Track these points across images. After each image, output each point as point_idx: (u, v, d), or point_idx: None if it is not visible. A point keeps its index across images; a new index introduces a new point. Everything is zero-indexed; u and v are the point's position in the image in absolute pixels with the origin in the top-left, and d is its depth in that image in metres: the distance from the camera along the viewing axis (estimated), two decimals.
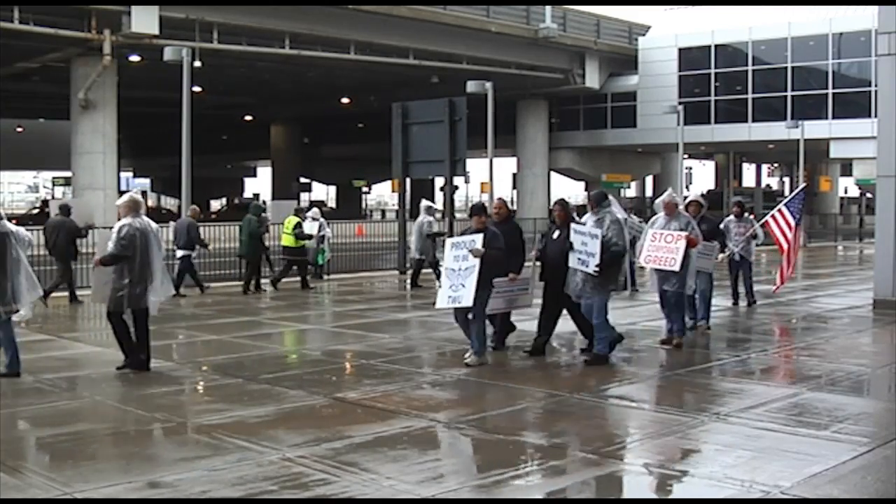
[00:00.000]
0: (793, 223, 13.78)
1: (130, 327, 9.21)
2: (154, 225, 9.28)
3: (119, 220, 9.17)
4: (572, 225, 9.65)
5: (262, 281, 17.56)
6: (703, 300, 11.96)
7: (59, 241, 15.25)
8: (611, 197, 9.96)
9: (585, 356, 9.78)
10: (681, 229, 10.39)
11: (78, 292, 15.27)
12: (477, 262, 9.17)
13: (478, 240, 9.30)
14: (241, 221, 17.99)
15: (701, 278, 11.59)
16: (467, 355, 9.49)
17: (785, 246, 13.79)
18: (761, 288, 16.37)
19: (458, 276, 9.28)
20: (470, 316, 9.43)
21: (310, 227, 18.43)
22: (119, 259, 8.95)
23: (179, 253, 16.84)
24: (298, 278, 17.97)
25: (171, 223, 18.18)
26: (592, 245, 9.26)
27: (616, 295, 10.09)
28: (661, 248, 10.39)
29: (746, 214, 14.73)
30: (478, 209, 9.81)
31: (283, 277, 17.98)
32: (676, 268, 10.28)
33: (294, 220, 18.15)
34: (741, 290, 14.79)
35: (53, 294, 14.87)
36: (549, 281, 10.00)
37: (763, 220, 14.15)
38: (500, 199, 10.70)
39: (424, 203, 18.63)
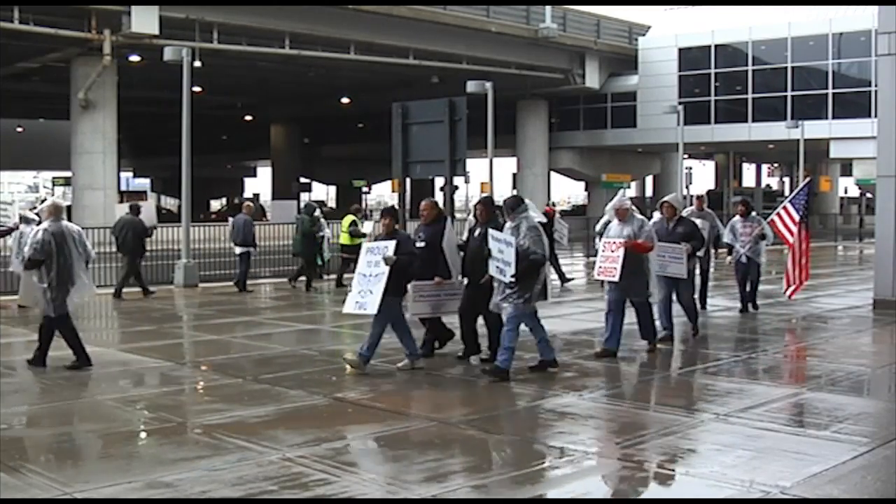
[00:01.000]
0: (797, 218, 13.50)
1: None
2: (75, 228, 9.46)
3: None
4: (490, 231, 9.02)
5: (300, 279, 17.95)
6: (664, 310, 10.98)
7: (127, 238, 16.24)
8: (528, 202, 9.27)
9: (485, 367, 9.05)
10: (631, 235, 9.79)
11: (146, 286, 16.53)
12: (387, 269, 8.89)
13: (391, 246, 9.01)
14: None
15: (664, 284, 10.86)
16: (401, 364, 9.27)
17: (791, 241, 13.56)
18: (766, 288, 16.35)
19: (368, 282, 9.04)
20: (411, 320, 9.28)
21: (367, 227, 18.74)
22: (35, 264, 9.13)
23: (238, 250, 17.36)
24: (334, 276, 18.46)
25: (229, 219, 18.84)
26: (508, 253, 8.65)
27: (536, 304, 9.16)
28: (608, 257, 9.87)
29: (753, 213, 14.09)
30: (387, 212, 9.55)
31: (343, 273, 18.45)
32: (615, 278, 9.72)
33: (350, 218, 18.57)
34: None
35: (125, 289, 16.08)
36: (469, 278, 9.60)
37: (769, 219, 13.87)
38: (428, 200, 10.14)
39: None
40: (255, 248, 17.76)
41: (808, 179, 15.11)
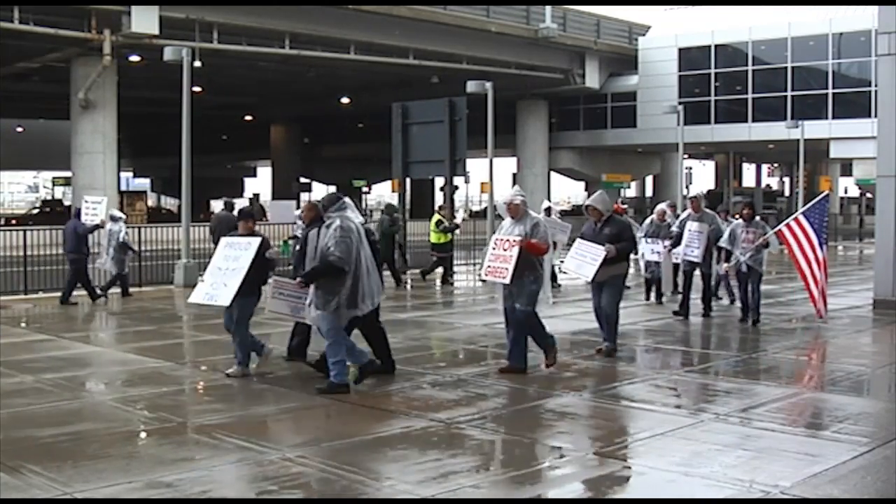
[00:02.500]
0: (815, 240, 12.07)
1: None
2: None
3: None
4: (310, 232, 8.67)
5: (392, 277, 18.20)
6: (596, 318, 10.34)
7: (223, 233, 16.12)
8: (347, 200, 8.45)
9: (319, 385, 8.33)
10: (524, 234, 8.85)
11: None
12: (246, 265, 8.70)
13: (253, 243, 8.84)
14: None
15: (594, 291, 10.19)
16: (231, 369, 8.98)
17: (805, 267, 12.06)
18: (766, 289, 16.34)
19: (223, 275, 8.86)
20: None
21: (459, 217, 19.11)
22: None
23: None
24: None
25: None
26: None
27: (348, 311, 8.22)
28: (499, 256, 8.93)
29: (757, 219, 12.96)
30: (244, 214, 9.30)
31: (432, 271, 18.96)
32: (507, 280, 8.80)
33: (437, 217, 19.13)
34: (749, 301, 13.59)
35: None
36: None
37: (776, 228, 12.64)
38: (310, 201, 9.64)
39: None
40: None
41: (825, 193, 13.26)
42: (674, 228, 14.34)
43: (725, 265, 13.09)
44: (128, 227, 16.77)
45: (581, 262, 9.94)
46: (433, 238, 19.22)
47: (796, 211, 14.37)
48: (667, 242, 14.61)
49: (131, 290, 16.45)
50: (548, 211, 17.36)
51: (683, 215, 14.00)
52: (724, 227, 13.58)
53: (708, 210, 14.25)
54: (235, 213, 17.31)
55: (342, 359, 8.18)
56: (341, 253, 7.99)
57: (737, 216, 13.68)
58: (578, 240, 10.14)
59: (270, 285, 8.91)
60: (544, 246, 9.00)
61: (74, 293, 15.28)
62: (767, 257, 14.69)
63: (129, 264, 16.64)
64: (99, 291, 15.76)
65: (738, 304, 13.64)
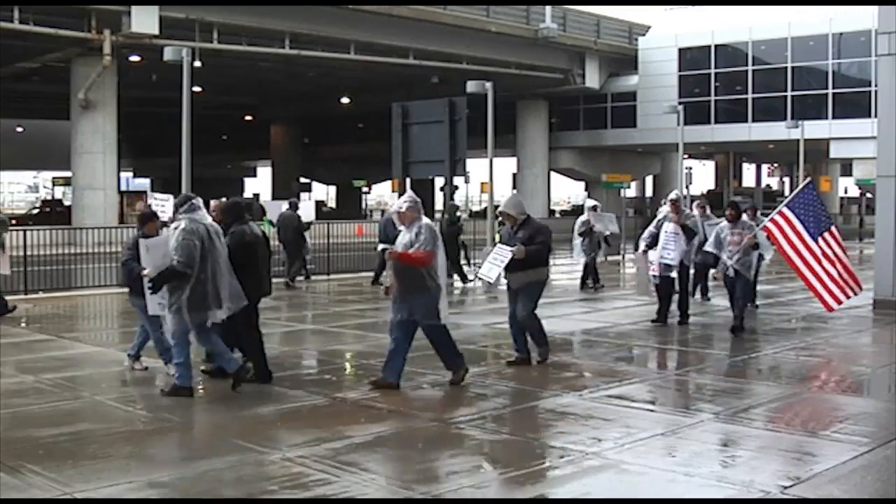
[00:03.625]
0: (804, 231, 11.04)
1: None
2: None
3: None
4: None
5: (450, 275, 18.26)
6: (510, 327, 9.68)
7: (287, 233, 18.04)
8: (196, 201, 8.17)
9: (163, 388, 8.26)
10: (408, 244, 8.30)
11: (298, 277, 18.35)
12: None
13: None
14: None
15: (510, 299, 9.54)
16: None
17: (797, 261, 11.08)
18: (766, 288, 16.33)
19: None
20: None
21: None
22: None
23: (380, 247, 18.10)
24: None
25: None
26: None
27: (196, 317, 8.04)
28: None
29: (745, 218, 12.03)
30: (146, 217, 9.20)
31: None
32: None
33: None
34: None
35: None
36: None
37: (762, 225, 11.58)
38: (218, 202, 9.56)
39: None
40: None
41: (807, 180, 12.22)
42: (650, 229, 13.15)
43: (713, 271, 12.24)
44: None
45: (491, 265, 9.46)
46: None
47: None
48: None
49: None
50: (594, 208, 18.25)
51: (660, 216, 13.08)
52: (699, 224, 13.00)
53: (691, 212, 13.72)
54: (300, 212, 18.51)
55: (184, 361, 8.09)
56: (181, 256, 7.89)
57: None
58: (498, 245, 9.72)
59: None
60: (420, 255, 8.19)
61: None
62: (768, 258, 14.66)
63: None
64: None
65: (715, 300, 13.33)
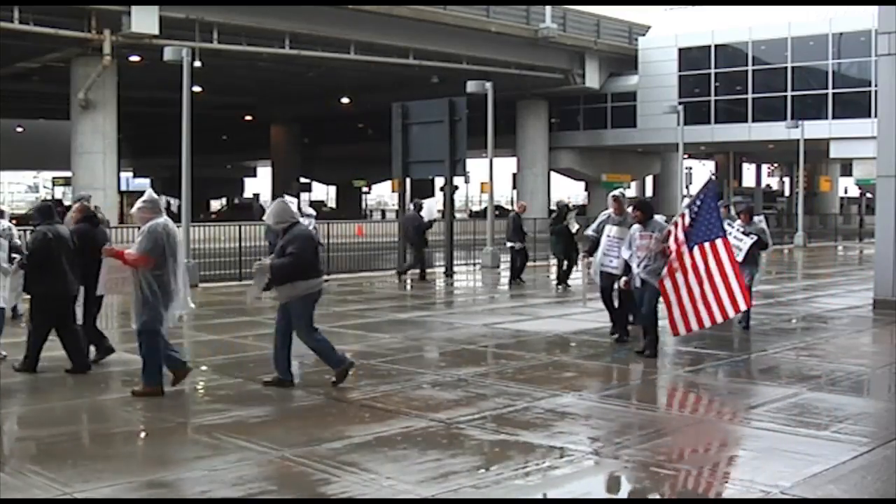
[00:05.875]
0: (682, 238, 9.66)
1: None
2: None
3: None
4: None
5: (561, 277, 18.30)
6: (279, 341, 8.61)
7: (409, 232, 19.31)
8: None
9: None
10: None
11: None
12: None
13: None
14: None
15: (292, 318, 8.52)
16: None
17: (665, 279, 9.68)
18: (766, 288, 16.32)
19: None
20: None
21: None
22: None
23: (508, 244, 19.22)
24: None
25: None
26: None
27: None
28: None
29: (658, 218, 10.33)
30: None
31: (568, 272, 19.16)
32: (101, 291, 8.60)
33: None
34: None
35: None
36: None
37: (664, 229, 10.04)
38: (79, 202, 9.52)
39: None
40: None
41: (707, 180, 10.83)
42: (588, 232, 12.07)
43: (624, 279, 10.37)
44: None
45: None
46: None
47: (796, 210, 13.88)
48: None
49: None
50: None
51: (602, 217, 11.92)
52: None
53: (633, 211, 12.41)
54: (422, 213, 19.55)
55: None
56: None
57: (740, 216, 12.58)
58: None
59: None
60: (134, 257, 7.90)
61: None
62: (767, 256, 14.60)
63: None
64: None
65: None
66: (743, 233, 12.01)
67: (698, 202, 9.76)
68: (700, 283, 9.59)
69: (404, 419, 7.29)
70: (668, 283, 9.70)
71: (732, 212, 13.55)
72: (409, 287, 18.65)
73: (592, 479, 5.99)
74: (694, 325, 9.81)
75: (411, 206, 20.38)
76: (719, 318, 9.80)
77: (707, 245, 9.61)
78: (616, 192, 11.77)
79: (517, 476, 5.92)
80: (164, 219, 8.03)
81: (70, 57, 32.47)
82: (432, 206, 21.66)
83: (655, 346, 9.97)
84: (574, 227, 18.05)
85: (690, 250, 9.60)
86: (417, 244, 19.34)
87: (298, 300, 8.38)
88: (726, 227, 11.69)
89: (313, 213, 18.90)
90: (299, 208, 18.29)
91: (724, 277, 9.62)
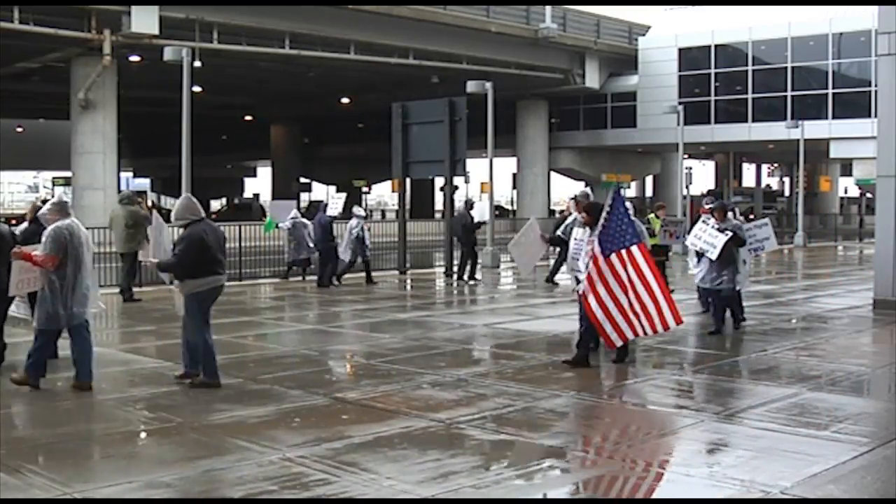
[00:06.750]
0: (597, 246, 9.15)
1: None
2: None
3: None
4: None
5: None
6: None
7: (458, 231, 19.52)
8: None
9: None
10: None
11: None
12: None
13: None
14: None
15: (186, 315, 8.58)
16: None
17: (587, 291, 9.20)
18: (766, 288, 16.32)
19: None
20: None
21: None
22: None
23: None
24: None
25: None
26: None
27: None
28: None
29: (577, 216, 10.14)
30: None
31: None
32: (11, 292, 8.67)
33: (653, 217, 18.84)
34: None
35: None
36: None
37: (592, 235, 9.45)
38: (32, 202, 9.60)
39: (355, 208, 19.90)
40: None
41: (614, 186, 9.89)
42: (557, 233, 11.70)
43: (576, 287, 10.00)
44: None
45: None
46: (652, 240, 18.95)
47: (796, 210, 13.92)
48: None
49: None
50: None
51: (570, 220, 11.62)
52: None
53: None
54: (473, 212, 20.03)
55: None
56: None
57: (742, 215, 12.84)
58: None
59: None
60: (41, 258, 8.04)
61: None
62: (765, 258, 14.57)
63: (369, 254, 18.90)
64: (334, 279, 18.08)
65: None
66: (718, 229, 11.60)
67: (607, 210, 9.24)
68: (625, 292, 9.16)
69: (404, 419, 7.29)
70: (591, 299, 9.16)
71: (738, 214, 13.49)
72: (456, 286, 18.62)
73: (592, 479, 5.99)
74: (629, 335, 9.31)
75: (461, 205, 20.36)
76: (650, 332, 9.37)
77: (624, 252, 9.18)
78: (578, 193, 11.21)
79: (517, 476, 5.93)
80: (69, 220, 8.22)
81: (70, 57, 32.47)
82: (484, 207, 21.87)
83: (585, 350, 9.59)
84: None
85: (607, 258, 9.14)
86: (467, 243, 19.37)
87: (191, 297, 8.51)
88: (701, 224, 11.86)
89: (363, 213, 19.52)
90: (350, 209, 19.04)
91: (648, 289, 9.21)
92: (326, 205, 18.99)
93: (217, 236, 8.65)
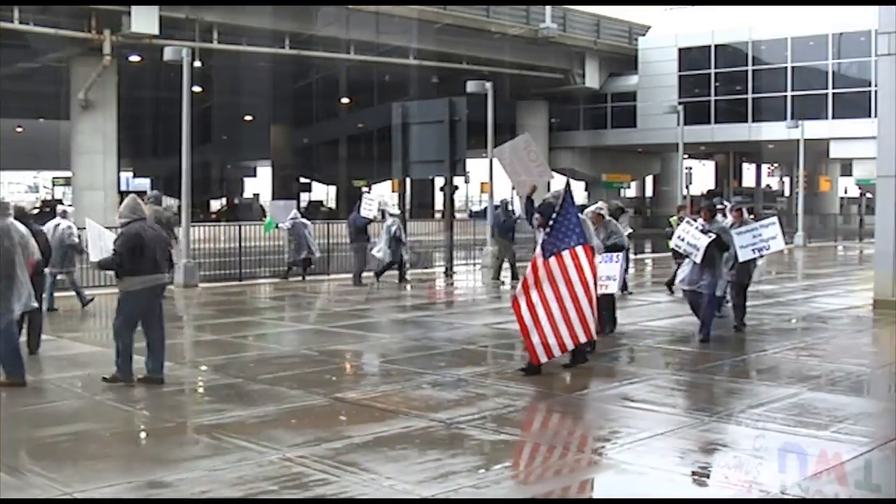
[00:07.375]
0: (538, 250, 8.89)
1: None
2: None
3: None
4: None
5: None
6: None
7: (495, 230, 19.91)
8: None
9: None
10: None
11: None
12: None
13: None
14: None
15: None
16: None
17: (521, 297, 8.80)
18: (766, 288, 16.32)
19: None
20: None
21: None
22: None
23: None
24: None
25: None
26: None
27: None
28: None
29: (513, 213, 9.81)
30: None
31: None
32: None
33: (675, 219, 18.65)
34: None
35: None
36: None
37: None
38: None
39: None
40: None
41: (566, 184, 9.49)
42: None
43: None
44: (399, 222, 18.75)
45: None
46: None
47: (796, 210, 13.89)
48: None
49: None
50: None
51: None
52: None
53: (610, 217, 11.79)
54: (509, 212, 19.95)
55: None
56: None
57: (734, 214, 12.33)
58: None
59: None
60: None
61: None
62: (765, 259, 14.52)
63: (407, 253, 18.92)
64: (373, 278, 18.15)
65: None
66: (702, 231, 11.04)
67: (556, 209, 8.88)
68: (559, 300, 8.67)
69: (404, 419, 7.28)
70: (522, 302, 8.70)
71: (746, 215, 13.01)
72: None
73: (592, 478, 5.98)
74: (556, 351, 8.74)
75: (498, 205, 20.46)
76: (570, 345, 8.83)
77: (567, 253, 8.71)
78: (549, 195, 10.43)
79: (517, 476, 5.92)
80: (7, 221, 8.35)
81: (70, 57, 32.46)
82: (518, 206, 21.94)
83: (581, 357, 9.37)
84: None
85: (546, 260, 8.71)
86: (504, 243, 19.40)
87: (126, 294, 8.68)
88: (685, 225, 11.41)
89: (398, 212, 19.70)
90: (382, 209, 19.39)
91: (574, 297, 8.67)
92: (360, 205, 19.03)
93: (157, 237, 8.81)
